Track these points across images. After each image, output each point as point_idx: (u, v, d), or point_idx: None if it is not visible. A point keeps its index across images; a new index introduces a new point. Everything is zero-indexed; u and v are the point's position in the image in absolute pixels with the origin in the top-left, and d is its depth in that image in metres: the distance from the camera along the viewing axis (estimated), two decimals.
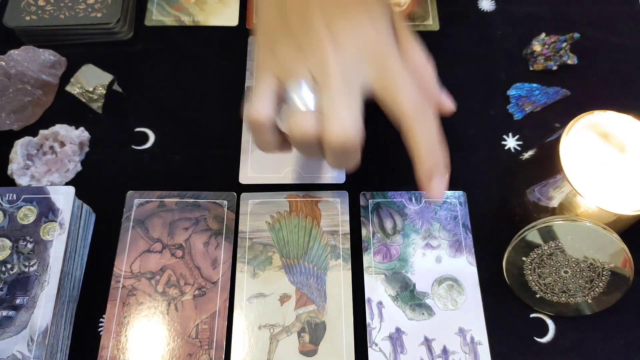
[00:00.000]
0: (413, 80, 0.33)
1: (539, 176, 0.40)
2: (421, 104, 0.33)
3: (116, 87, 0.48)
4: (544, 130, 0.47)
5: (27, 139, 0.44)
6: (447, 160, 0.34)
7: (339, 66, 0.32)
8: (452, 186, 0.44)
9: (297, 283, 0.40)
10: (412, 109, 0.32)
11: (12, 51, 0.47)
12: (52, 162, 0.44)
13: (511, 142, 0.47)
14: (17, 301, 0.36)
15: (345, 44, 0.33)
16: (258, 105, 0.33)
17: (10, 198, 0.39)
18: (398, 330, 0.39)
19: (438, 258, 0.41)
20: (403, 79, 0.33)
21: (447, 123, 0.47)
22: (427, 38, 0.52)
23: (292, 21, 0.34)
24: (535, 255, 0.38)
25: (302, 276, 0.41)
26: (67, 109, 0.48)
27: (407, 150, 0.34)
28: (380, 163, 0.45)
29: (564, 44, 0.48)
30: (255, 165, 0.45)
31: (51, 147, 0.44)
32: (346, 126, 0.32)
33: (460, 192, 0.44)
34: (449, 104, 0.38)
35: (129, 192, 0.43)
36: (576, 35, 0.48)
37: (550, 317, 0.40)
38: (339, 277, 0.40)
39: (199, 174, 0.45)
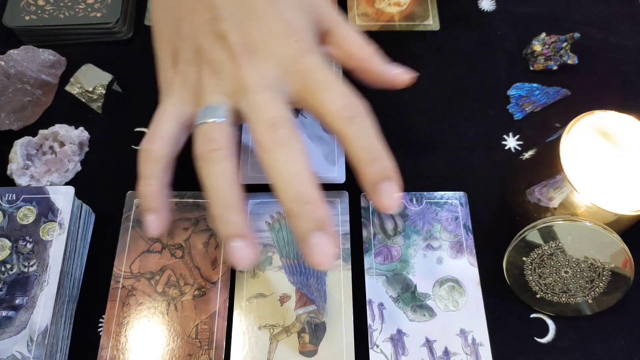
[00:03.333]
0: (338, 81, 0.30)
1: (539, 176, 0.40)
2: (352, 106, 0.29)
3: (116, 87, 0.48)
4: (544, 130, 0.47)
5: (26, 139, 0.44)
6: (392, 164, 0.30)
7: (258, 78, 0.30)
8: (452, 186, 0.44)
9: (297, 283, 0.40)
10: (341, 115, 0.29)
11: (11, 51, 0.47)
12: (52, 162, 0.44)
13: (511, 142, 0.47)
14: (17, 301, 0.36)
15: (262, 60, 0.30)
16: (155, 133, 0.31)
17: (9, 198, 0.39)
18: (399, 331, 0.39)
19: (439, 259, 0.41)
20: (326, 85, 0.30)
21: (447, 123, 0.48)
22: (427, 38, 0.52)
23: (199, 34, 0.31)
24: (535, 256, 0.38)
25: (302, 276, 0.40)
26: (66, 109, 0.48)
27: (348, 160, 0.30)
28: None
29: (564, 44, 0.48)
30: (255, 165, 0.45)
31: (51, 147, 0.44)
32: (277, 118, 0.29)
33: (462, 193, 0.44)
34: (402, 76, 0.34)
35: (129, 192, 0.43)
36: (576, 35, 0.48)
37: (551, 317, 0.40)
38: (339, 278, 0.40)
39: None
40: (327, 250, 0.28)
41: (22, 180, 0.42)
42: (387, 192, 0.29)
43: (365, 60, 0.33)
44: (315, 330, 0.39)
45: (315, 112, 0.30)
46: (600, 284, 0.37)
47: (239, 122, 0.31)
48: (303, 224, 0.28)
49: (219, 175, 0.29)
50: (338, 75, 0.30)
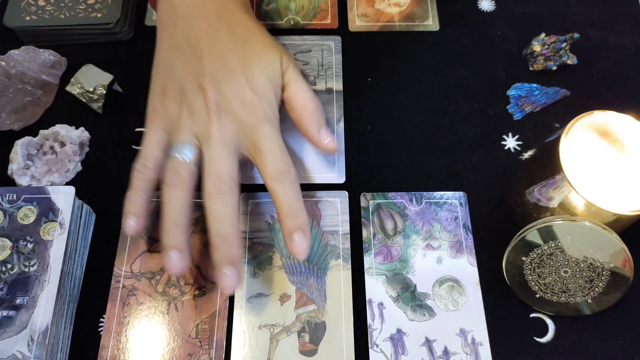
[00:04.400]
0: (279, 150, 0.38)
1: (539, 176, 0.40)
2: (282, 170, 0.37)
3: (116, 87, 0.48)
4: (544, 130, 0.47)
5: (27, 139, 0.44)
6: (305, 221, 0.37)
7: (220, 135, 0.38)
8: (452, 186, 0.44)
9: (297, 283, 0.40)
10: (272, 176, 0.37)
11: (12, 51, 0.47)
12: (52, 162, 0.44)
13: (511, 142, 0.47)
14: (17, 301, 0.36)
15: (227, 120, 0.38)
16: (147, 158, 0.38)
17: (10, 198, 0.39)
18: (399, 331, 0.39)
19: (439, 259, 0.41)
20: (268, 151, 0.38)
21: (447, 123, 0.48)
22: (427, 38, 0.52)
23: (186, 80, 0.39)
24: (535, 255, 0.38)
25: (302, 276, 0.41)
26: (67, 109, 0.48)
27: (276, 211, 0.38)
28: (381, 164, 0.46)
29: (564, 44, 0.48)
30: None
31: (51, 147, 0.44)
32: (224, 175, 0.37)
33: (461, 193, 0.44)
34: (328, 143, 0.41)
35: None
36: (576, 35, 0.48)
37: (550, 317, 0.40)
38: (339, 277, 0.40)
39: (199, 174, 0.45)
40: (232, 281, 0.35)
41: (22, 180, 0.42)
42: (298, 240, 0.37)
43: (303, 119, 0.40)
44: (315, 330, 0.39)
45: (258, 168, 0.38)
46: (600, 284, 0.37)
47: (200, 161, 0.38)
48: (220, 256, 0.36)
49: (176, 199, 0.37)
50: (282, 146, 0.38)
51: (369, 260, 0.41)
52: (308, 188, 0.44)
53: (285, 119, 0.47)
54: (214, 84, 0.38)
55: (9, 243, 0.38)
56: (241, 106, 0.38)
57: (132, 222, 0.37)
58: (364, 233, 0.42)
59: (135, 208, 0.38)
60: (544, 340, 0.39)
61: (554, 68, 0.49)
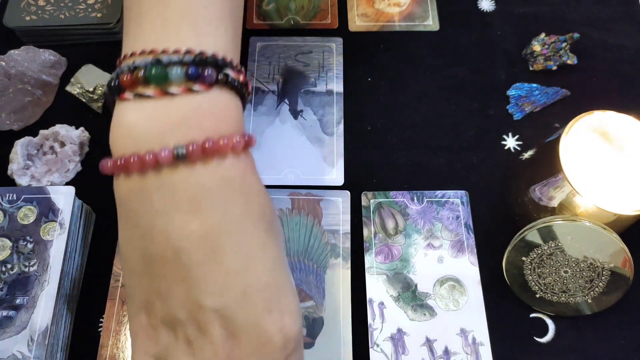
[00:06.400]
0: None
1: (539, 176, 0.40)
2: None
3: None
4: (544, 130, 0.47)
5: (27, 139, 0.44)
6: None
7: None
8: (452, 186, 0.44)
9: (296, 280, 0.40)
10: None
11: (12, 51, 0.47)
12: (52, 162, 0.44)
13: (511, 142, 0.47)
14: (17, 301, 0.36)
15: (238, 349, 0.28)
16: None
17: (10, 198, 0.39)
18: (400, 330, 0.39)
19: (440, 258, 0.41)
20: None
21: (448, 123, 0.48)
22: (427, 38, 0.52)
23: (179, 309, 0.28)
24: (535, 255, 0.38)
25: (301, 273, 0.41)
26: (67, 109, 0.48)
27: None
28: (381, 164, 0.46)
29: (564, 44, 0.48)
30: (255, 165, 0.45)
31: (51, 147, 0.44)
32: None
33: (463, 192, 0.44)
34: None
35: None
36: (576, 35, 0.48)
37: (550, 317, 0.40)
38: (338, 276, 0.40)
39: None
40: None
41: (22, 180, 0.42)
42: None
43: None
44: (312, 325, 0.39)
45: None
46: (600, 284, 0.37)
47: None
48: None
49: None
50: None
51: (369, 260, 0.41)
52: (308, 189, 0.44)
53: (285, 118, 0.47)
54: (221, 321, 0.28)
55: (9, 243, 0.38)
56: (257, 346, 0.28)
57: None
58: (365, 232, 0.42)
59: None
60: (544, 340, 0.39)
61: (554, 68, 0.49)
